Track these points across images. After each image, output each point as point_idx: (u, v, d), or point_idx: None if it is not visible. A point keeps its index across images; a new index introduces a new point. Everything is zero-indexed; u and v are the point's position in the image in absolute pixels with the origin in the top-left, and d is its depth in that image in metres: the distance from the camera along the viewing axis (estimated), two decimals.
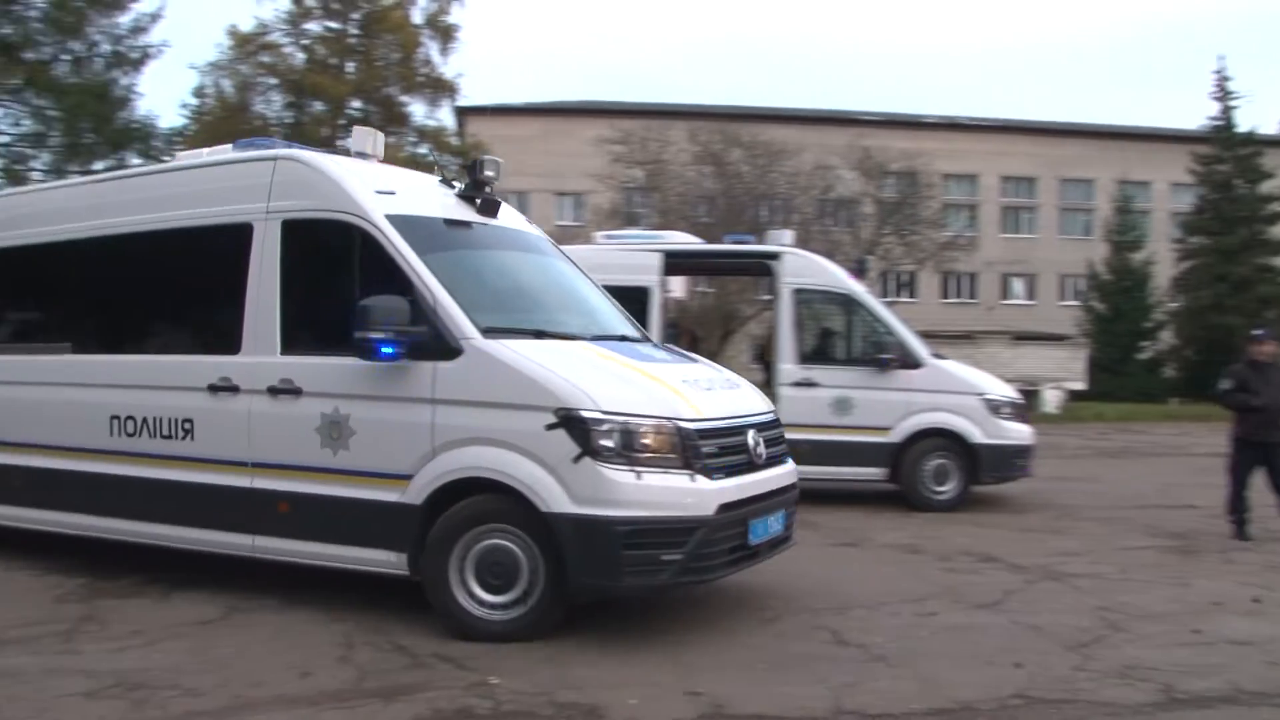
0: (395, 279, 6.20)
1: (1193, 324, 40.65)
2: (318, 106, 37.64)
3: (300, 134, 34.27)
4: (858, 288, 12.48)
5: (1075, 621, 6.34)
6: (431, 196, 7.08)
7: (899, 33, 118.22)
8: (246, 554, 6.77)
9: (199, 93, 37.77)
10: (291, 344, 6.61)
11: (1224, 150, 42.45)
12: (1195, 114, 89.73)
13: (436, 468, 6.01)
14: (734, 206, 32.81)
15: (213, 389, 6.79)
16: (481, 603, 5.90)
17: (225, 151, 7.53)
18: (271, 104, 37.89)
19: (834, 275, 12.59)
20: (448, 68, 39.57)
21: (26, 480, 7.77)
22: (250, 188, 6.89)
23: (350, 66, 38.05)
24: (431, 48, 38.73)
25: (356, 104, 38.07)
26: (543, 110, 50.32)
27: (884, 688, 5.08)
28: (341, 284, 6.47)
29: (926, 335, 13.48)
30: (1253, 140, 42.80)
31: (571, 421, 5.68)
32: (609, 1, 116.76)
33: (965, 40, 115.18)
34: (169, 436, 7.01)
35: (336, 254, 6.60)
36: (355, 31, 38.36)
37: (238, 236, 6.82)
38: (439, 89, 38.81)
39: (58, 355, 7.82)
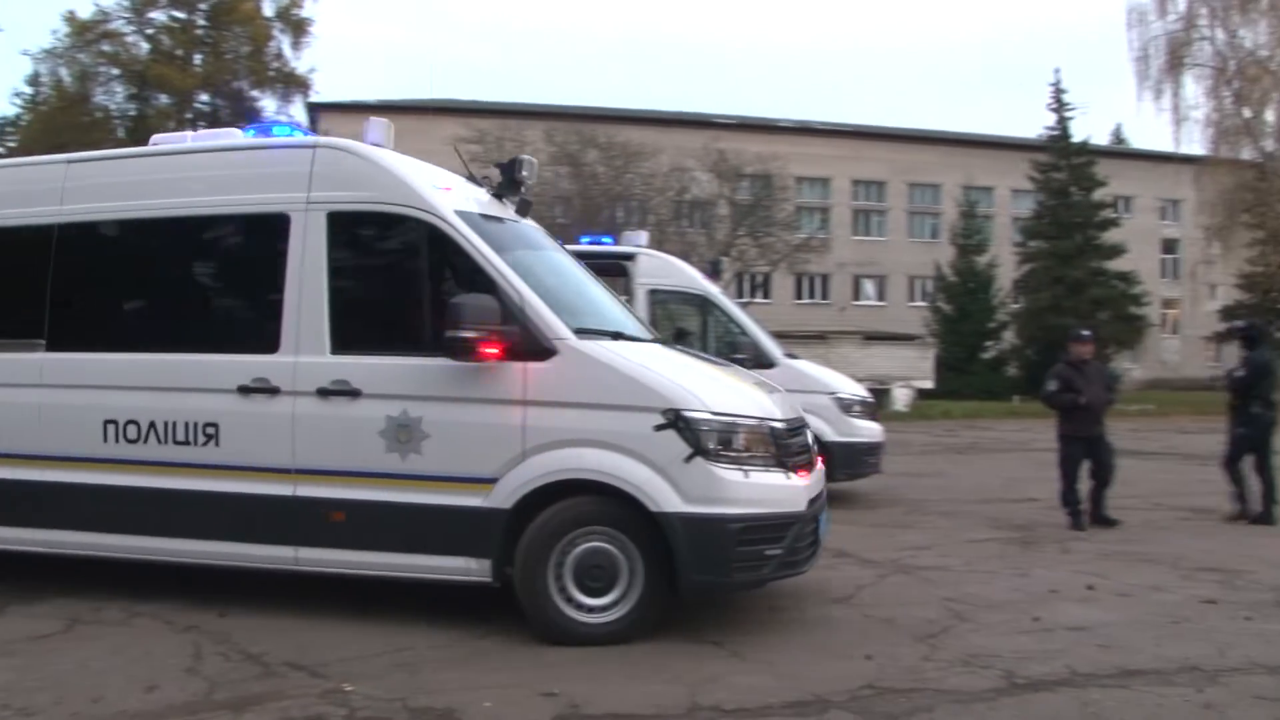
0: (473, 277, 6.02)
1: (1032, 324, 42.34)
2: (163, 99, 36.32)
3: (144, 127, 33.08)
4: (712, 288, 12.67)
5: (923, 613, 6.54)
6: (473, 194, 6.80)
7: (753, 37, 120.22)
8: (286, 567, 6.31)
9: (33, 81, 36.11)
10: (344, 343, 6.23)
11: (1060, 159, 44.46)
12: (1034, 124, 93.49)
13: (529, 470, 5.83)
14: (590, 207, 32.95)
15: (244, 390, 6.30)
16: (581, 607, 5.80)
17: (232, 135, 7.13)
18: (114, 95, 36.48)
19: (689, 276, 12.74)
20: (300, 63, 38.80)
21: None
22: (284, 176, 6.47)
23: (198, 58, 36.83)
24: (283, 41, 38.03)
25: (204, 97, 36.93)
26: (397, 108, 49.34)
27: (740, 683, 5.14)
28: (406, 281, 6.35)
29: (781, 336, 13.76)
30: (1086, 150, 44.96)
31: (681, 422, 5.69)
32: (467, 1, 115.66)
33: (818, 46, 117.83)
34: (185, 442, 6.41)
35: (398, 250, 6.40)
36: (203, 22, 37.21)
37: (269, 227, 6.44)
38: (291, 84, 37.99)
39: (28, 353, 6.88)
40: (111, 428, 6.56)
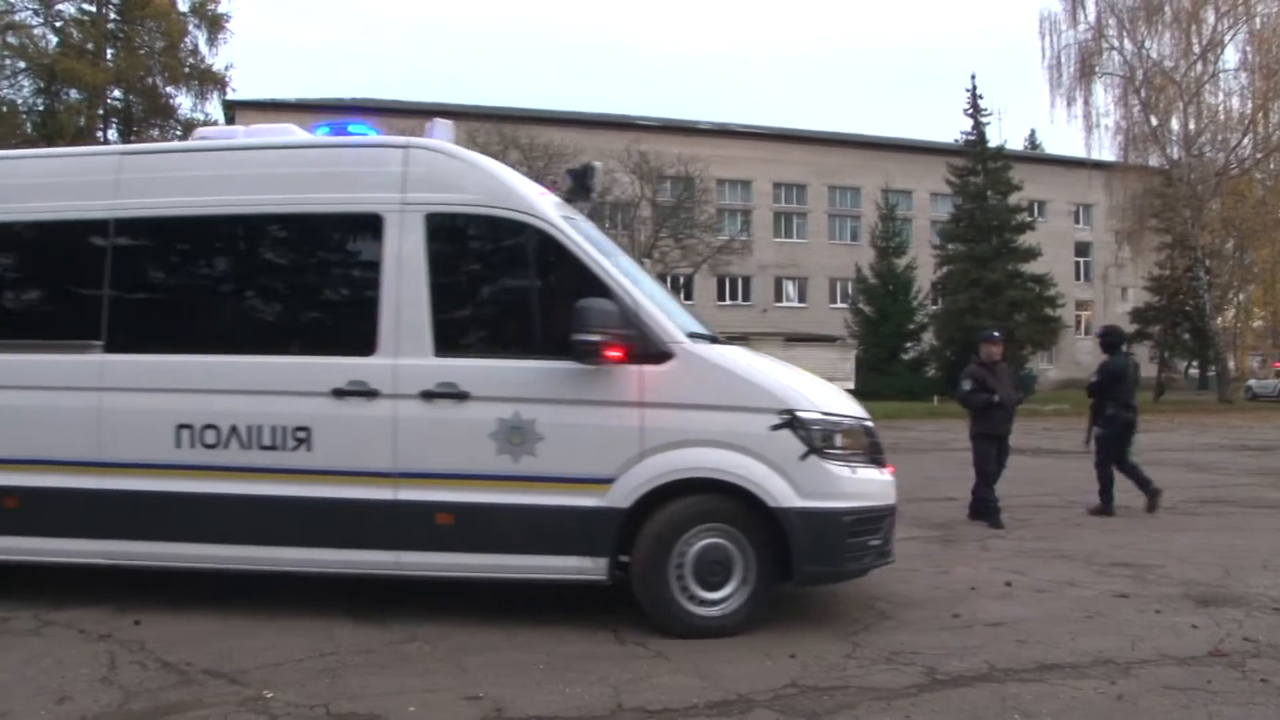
0: (586, 282, 6.07)
1: (951, 326, 43.12)
2: (73, 94, 35.35)
3: (54, 123, 32.21)
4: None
5: (846, 611, 6.61)
6: (553, 199, 6.78)
7: (674, 40, 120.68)
8: (386, 572, 6.23)
9: None
10: (448, 345, 6.16)
11: (977, 163, 45.36)
12: (951, 128, 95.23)
13: (647, 470, 5.95)
14: None
15: (338, 393, 6.16)
16: (700, 601, 5.96)
17: (290, 132, 7.04)
18: (20, 90, 35.46)
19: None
20: (217, 59, 38.09)
21: (40, 505, 6.40)
22: (373, 175, 6.38)
23: (109, 53, 35.93)
24: (199, 37, 37.21)
25: (117, 93, 36.06)
26: (317, 107, 48.71)
27: (665, 683, 5.14)
28: (513, 284, 6.41)
29: None
30: (1002, 155, 45.92)
31: (796, 422, 5.95)
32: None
33: (739, 49, 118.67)
34: (272, 447, 6.22)
35: (505, 253, 6.40)
36: (114, 16, 36.30)
37: (359, 227, 6.37)
38: (207, 81, 37.25)
39: (81, 355, 6.47)
40: (186, 433, 6.29)
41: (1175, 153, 41.48)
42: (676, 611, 5.96)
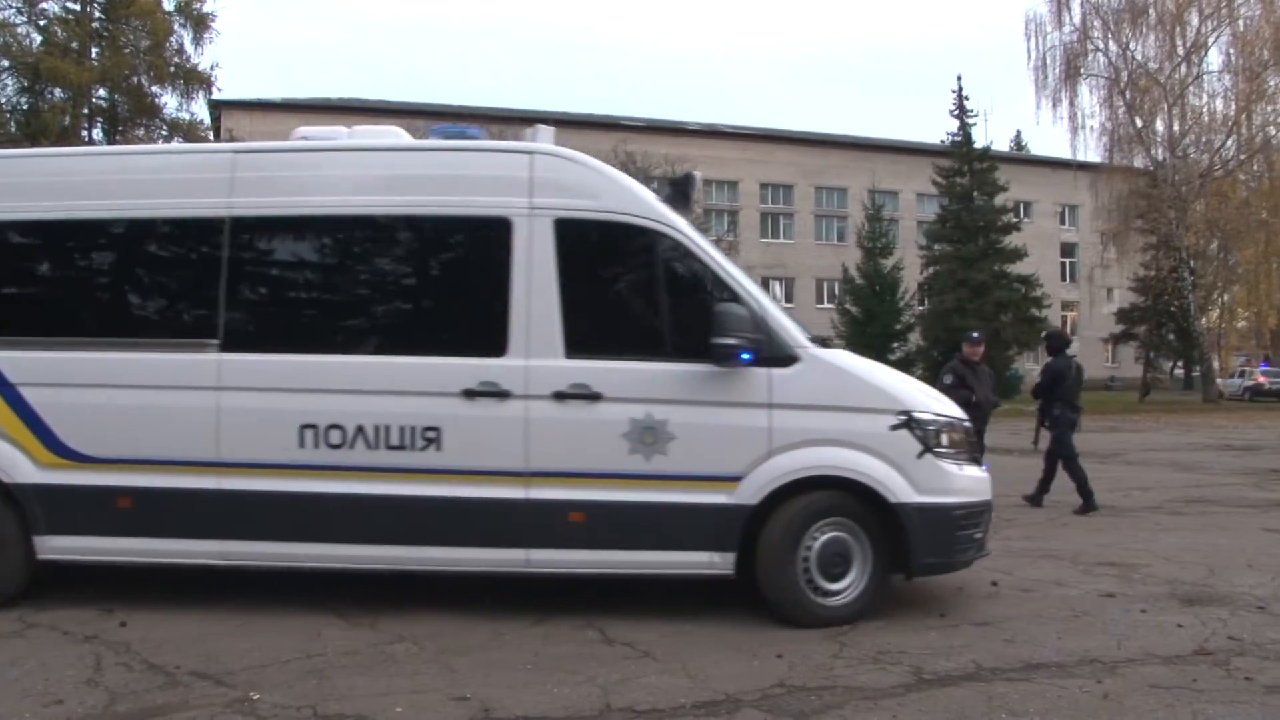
0: (715, 288, 6.42)
1: (937, 326, 43.15)
2: (57, 94, 35.12)
3: (38, 122, 32.05)
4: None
5: None
6: None
7: (662, 40, 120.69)
8: (515, 570, 6.37)
9: None
10: (579, 347, 6.31)
11: (963, 164, 45.40)
12: (937, 129, 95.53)
13: (775, 468, 6.24)
14: None
15: (468, 394, 6.26)
16: (824, 592, 6.28)
17: (396, 134, 7.25)
18: (3, 89, 35.23)
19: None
20: (202, 58, 37.88)
21: (153, 505, 6.37)
22: (501, 180, 6.52)
23: (94, 52, 35.71)
24: (184, 36, 36.96)
25: (102, 93, 35.86)
26: (303, 106, 48.66)
27: (652, 683, 5.15)
28: (644, 289, 6.63)
29: None
30: (988, 155, 45.97)
31: (913, 422, 6.34)
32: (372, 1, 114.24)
33: (726, 50, 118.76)
34: (400, 447, 6.30)
35: (635, 258, 6.63)
36: (99, 15, 36.07)
37: (485, 231, 6.49)
38: (192, 80, 37.02)
39: (196, 354, 6.45)
40: (310, 433, 6.33)
41: (1160, 154, 41.66)
42: (804, 603, 6.25)
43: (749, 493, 6.22)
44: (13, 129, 34.11)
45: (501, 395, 6.26)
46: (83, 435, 6.45)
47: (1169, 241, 41.61)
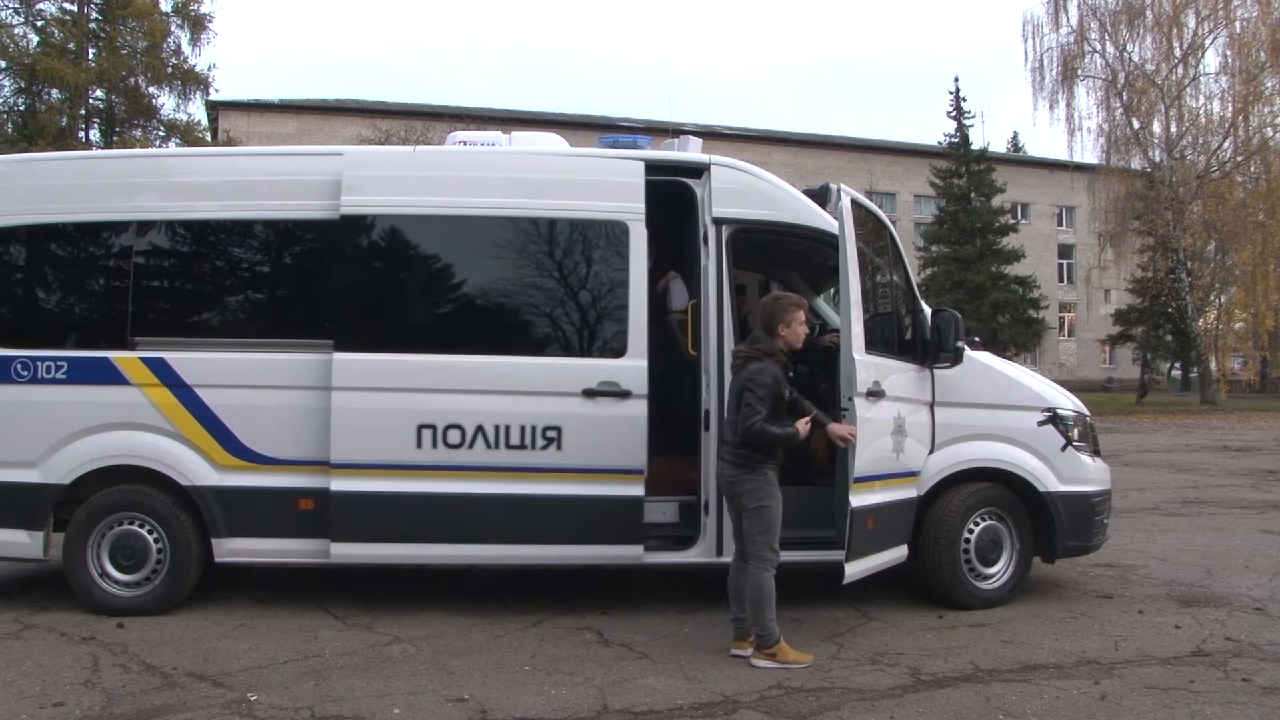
0: (896, 294, 6.97)
1: None
2: (54, 95, 35.02)
3: (35, 123, 32.01)
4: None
5: (831, 613, 6.63)
6: None
7: (659, 44, 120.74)
8: (630, 563, 6.58)
9: None
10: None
11: (960, 165, 45.46)
12: (935, 131, 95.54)
13: (938, 462, 6.79)
14: None
15: (589, 393, 6.39)
16: (980, 576, 6.77)
17: (554, 141, 7.45)
18: (0, 90, 35.14)
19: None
20: (200, 59, 37.79)
21: (251, 504, 6.43)
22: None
23: (91, 53, 35.63)
24: (181, 37, 36.82)
25: (99, 94, 35.78)
26: (300, 107, 48.73)
27: (650, 685, 5.16)
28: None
29: None
30: (985, 157, 46.02)
31: (1057, 418, 6.96)
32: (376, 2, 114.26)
33: (722, 53, 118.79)
34: (521, 446, 6.35)
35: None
36: (96, 16, 35.99)
37: (612, 233, 6.67)
38: (190, 81, 36.91)
39: (309, 354, 6.46)
40: (428, 433, 6.34)
41: (1157, 155, 41.59)
42: (967, 587, 6.72)
43: (920, 486, 6.69)
44: (9, 130, 34.04)
45: (622, 395, 6.42)
46: (262, 436, 6.45)
47: (1166, 243, 41.57)
